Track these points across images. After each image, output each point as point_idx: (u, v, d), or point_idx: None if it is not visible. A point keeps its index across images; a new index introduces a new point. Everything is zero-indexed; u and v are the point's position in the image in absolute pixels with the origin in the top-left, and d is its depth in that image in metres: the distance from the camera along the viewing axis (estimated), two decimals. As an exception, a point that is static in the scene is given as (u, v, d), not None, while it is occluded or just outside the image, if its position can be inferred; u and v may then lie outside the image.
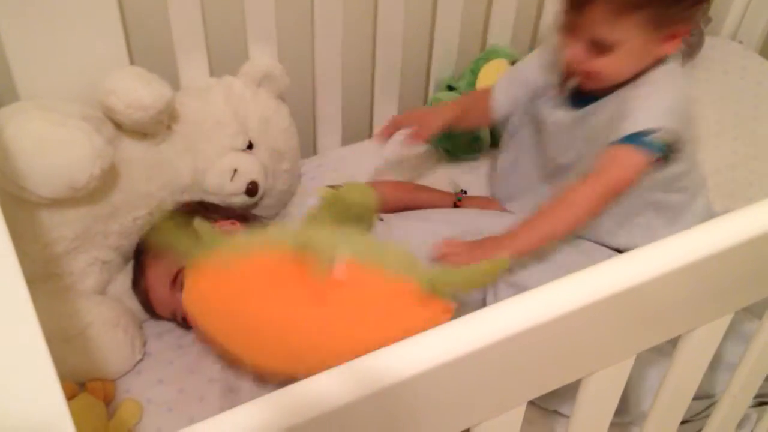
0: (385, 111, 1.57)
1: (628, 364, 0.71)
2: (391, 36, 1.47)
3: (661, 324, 0.69)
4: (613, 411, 0.76)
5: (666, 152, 1.08)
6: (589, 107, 1.14)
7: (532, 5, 1.67)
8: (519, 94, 1.27)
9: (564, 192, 1.07)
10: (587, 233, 1.18)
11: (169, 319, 1.18)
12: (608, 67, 1.07)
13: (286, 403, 0.51)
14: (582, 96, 1.16)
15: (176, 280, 1.12)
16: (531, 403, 0.69)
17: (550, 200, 1.08)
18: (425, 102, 1.62)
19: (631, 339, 0.69)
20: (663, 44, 1.06)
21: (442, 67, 1.59)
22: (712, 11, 1.85)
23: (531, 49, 1.71)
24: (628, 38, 1.03)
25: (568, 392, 1.03)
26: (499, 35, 1.61)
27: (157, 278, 1.14)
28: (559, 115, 1.20)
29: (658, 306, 0.66)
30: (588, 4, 1.03)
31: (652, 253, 0.63)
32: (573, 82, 1.17)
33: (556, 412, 1.12)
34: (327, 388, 0.52)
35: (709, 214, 1.22)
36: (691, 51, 1.72)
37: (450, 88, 1.57)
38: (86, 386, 1.07)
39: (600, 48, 1.05)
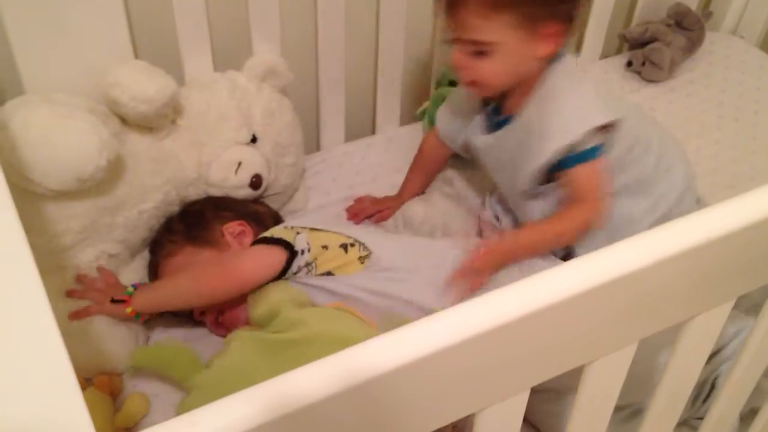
0: (388, 106, 1.58)
1: (631, 350, 0.71)
2: (393, 31, 1.48)
3: (662, 310, 0.69)
4: (615, 397, 0.76)
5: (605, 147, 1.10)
6: (505, 128, 1.15)
7: None
8: (456, 125, 1.28)
9: (554, 218, 1.13)
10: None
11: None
12: (489, 71, 1.07)
13: (267, 397, 0.50)
14: (499, 117, 1.18)
15: None
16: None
17: (546, 221, 1.14)
18: (428, 97, 1.62)
19: (633, 325, 0.69)
20: (540, 44, 1.05)
21: (445, 63, 1.59)
22: (713, 6, 1.86)
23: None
24: (503, 39, 1.04)
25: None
26: (501, 31, 1.61)
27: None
28: (482, 139, 1.21)
29: (658, 292, 0.66)
30: (457, 5, 1.04)
31: (652, 239, 0.63)
32: (489, 104, 1.19)
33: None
34: (313, 380, 0.52)
35: (689, 183, 1.24)
36: (691, 46, 1.72)
37: (452, 83, 1.57)
38: (93, 380, 1.08)
39: (478, 51, 1.06)
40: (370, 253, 1.12)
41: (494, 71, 1.08)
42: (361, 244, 1.13)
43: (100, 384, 1.07)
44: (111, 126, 1.09)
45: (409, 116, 1.62)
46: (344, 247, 1.12)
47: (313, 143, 1.54)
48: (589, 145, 1.08)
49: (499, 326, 0.57)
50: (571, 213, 1.11)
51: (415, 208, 1.37)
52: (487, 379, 0.62)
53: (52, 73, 1.11)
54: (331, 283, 1.09)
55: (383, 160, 1.51)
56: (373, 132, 1.61)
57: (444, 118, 1.31)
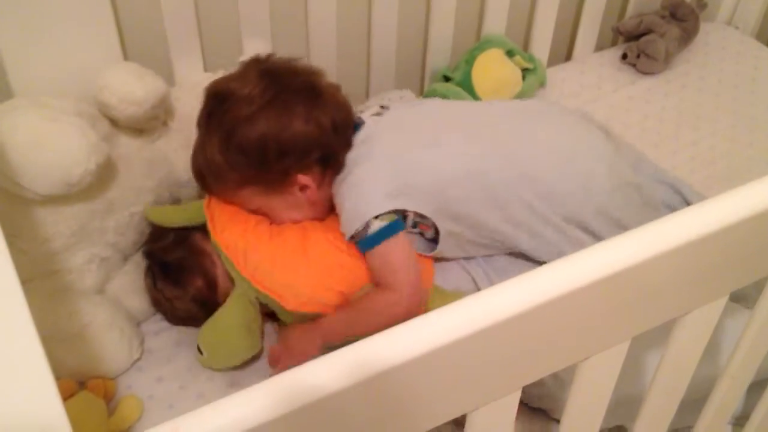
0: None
1: (624, 348, 0.70)
2: (385, 27, 1.47)
3: (655, 307, 0.69)
4: (609, 396, 0.76)
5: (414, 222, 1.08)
6: None
7: (526, -5, 1.67)
8: None
9: (360, 307, 1.05)
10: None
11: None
12: (272, 218, 1.11)
13: (281, 390, 0.50)
14: None
15: None
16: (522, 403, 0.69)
17: (354, 304, 1.06)
18: (421, 93, 1.62)
19: (626, 323, 0.68)
20: (302, 192, 1.07)
21: (438, 58, 1.59)
22: (708, -4, 1.85)
23: (526, 39, 1.71)
24: (262, 204, 1.09)
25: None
26: (494, 25, 1.61)
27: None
28: None
29: (651, 288, 0.66)
30: (209, 191, 1.11)
31: (645, 235, 0.63)
32: None
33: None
34: (322, 374, 0.52)
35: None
36: (686, 37, 1.71)
37: (446, 78, 1.56)
38: (86, 384, 1.08)
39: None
40: None
41: (274, 218, 1.11)
42: None
43: (94, 387, 1.07)
44: (101, 129, 1.08)
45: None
46: None
47: (306, 141, 1.53)
48: (371, 231, 1.03)
49: (492, 325, 0.57)
50: (374, 301, 1.04)
51: None
52: (479, 379, 0.62)
53: (41, 75, 1.11)
54: None
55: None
56: (367, 129, 1.60)
57: None
